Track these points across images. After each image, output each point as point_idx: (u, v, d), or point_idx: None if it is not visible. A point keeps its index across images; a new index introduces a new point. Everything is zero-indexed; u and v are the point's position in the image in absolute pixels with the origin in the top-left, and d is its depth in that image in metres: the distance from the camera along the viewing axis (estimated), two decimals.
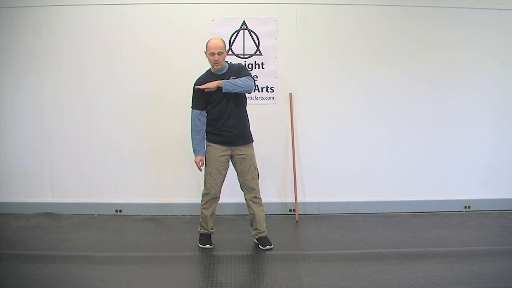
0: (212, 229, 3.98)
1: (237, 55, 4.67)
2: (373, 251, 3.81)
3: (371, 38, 4.73)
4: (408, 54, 4.76)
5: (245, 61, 4.64)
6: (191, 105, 3.85)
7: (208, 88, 3.69)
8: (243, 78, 3.76)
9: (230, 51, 4.67)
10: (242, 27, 4.66)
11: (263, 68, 4.67)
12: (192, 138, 3.86)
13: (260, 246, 3.88)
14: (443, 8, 4.73)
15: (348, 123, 4.80)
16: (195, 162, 3.86)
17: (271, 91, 4.71)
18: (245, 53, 4.67)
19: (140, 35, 4.65)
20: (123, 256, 3.72)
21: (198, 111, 3.80)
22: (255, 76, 4.63)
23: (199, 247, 3.89)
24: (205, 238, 3.94)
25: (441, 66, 4.79)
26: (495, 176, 4.94)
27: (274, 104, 4.71)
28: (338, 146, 4.81)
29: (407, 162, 4.86)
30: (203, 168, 3.89)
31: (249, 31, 4.67)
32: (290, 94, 4.72)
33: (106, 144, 4.74)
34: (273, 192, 4.76)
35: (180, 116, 4.71)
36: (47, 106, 4.71)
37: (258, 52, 4.69)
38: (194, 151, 3.87)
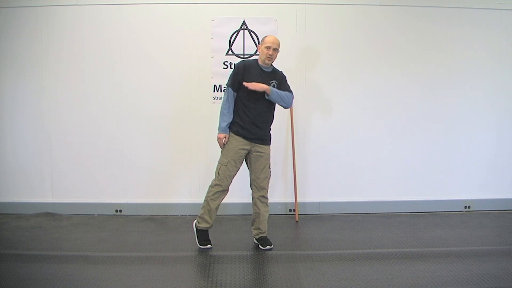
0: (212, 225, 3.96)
1: (237, 55, 4.66)
2: (373, 251, 3.81)
3: (371, 38, 4.73)
4: (408, 54, 4.76)
5: None
6: (226, 83, 3.86)
7: (254, 88, 3.69)
8: (288, 93, 3.86)
9: (230, 51, 4.67)
10: (242, 27, 4.66)
11: None
12: (222, 114, 3.82)
13: (260, 246, 3.88)
14: (443, 8, 4.73)
15: (348, 123, 4.80)
16: (219, 138, 3.79)
17: None
18: (245, 53, 4.67)
19: (140, 35, 4.65)
20: (123, 256, 3.72)
21: (233, 92, 3.80)
22: None
23: (199, 247, 3.87)
24: (205, 235, 3.90)
25: (441, 66, 4.80)
26: (495, 176, 4.94)
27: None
28: (338, 146, 4.81)
29: (407, 162, 4.86)
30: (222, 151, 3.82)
31: (249, 31, 4.67)
32: None
33: (106, 144, 4.74)
34: (273, 192, 4.73)
35: (179, 115, 4.72)
36: (47, 106, 4.71)
37: (258, 52, 4.68)
38: (220, 127, 3.81)
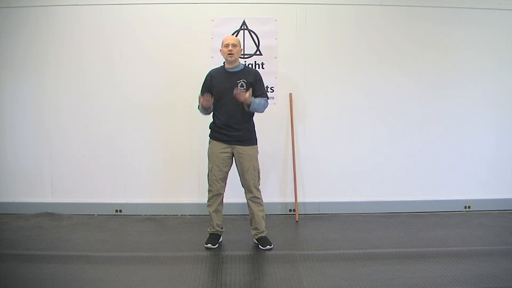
0: (221, 228, 3.98)
1: None
2: (373, 251, 3.81)
3: (371, 38, 4.73)
4: (408, 54, 4.76)
5: (245, 61, 4.64)
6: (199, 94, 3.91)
7: (238, 96, 3.66)
8: (263, 101, 3.84)
9: None
10: (242, 27, 4.66)
11: (263, 68, 4.67)
12: (198, 107, 3.90)
13: (260, 246, 3.88)
14: (443, 8, 4.73)
15: (348, 123, 4.80)
16: (200, 99, 3.75)
17: (271, 91, 4.71)
18: (245, 53, 4.67)
19: (140, 35, 4.65)
20: (123, 256, 3.72)
21: None
22: None
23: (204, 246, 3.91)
24: (210, 237, 3.94)
25: (441, 66, 4.80)
26: (495, 176, 4.94)
27: (274, 104, 4.71)
28: (338, 146, 4.81)
29: (407, 162, 4.86)
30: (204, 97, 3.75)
31: (249, 31, 4.67)
32: (290, 94, 4.72)
33: (106, 144, 4.74)
34: (273, 192, 4.76)
35: (180, 116, 4.73)
36: (47, 106, 4.71)
37: (258, 52, 4.69)
38: (198, 104, 3.85)
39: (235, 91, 3.67)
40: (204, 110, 3.84)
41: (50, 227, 4.38)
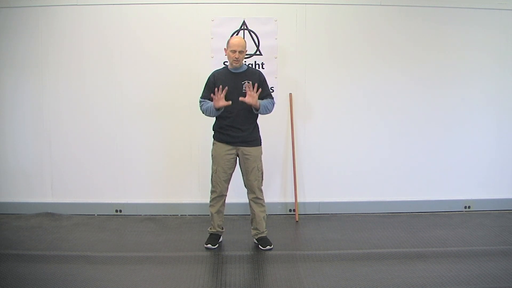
0: (222, 228, 3.98)
1: None
2: (373, 251, 3.81)
3: (371, 38, 4.73)
4: (408, 54, 4.76)
5: (245, 61, 4.63)
6: (200, 96, 3.89)
7: (247, 101, 3.66)
8: (270, 101, 3.86)
9: None
10: (242, 27, 4.66)
11: (263, 68, 4.67)
12: (202, 109, 3.85)
13: (260, 246, 3.88)
14: (443, 8, 4.73)
15: (348, 123, 4.80)
16: (215, 101, 3.69)
17: (271, 91, 4.69)
18: None
19: (140, 35, 4.65)
20: (123, 256, 3.72)
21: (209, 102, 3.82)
22: None
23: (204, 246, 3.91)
24: (210, 237, 3.94)
25: (441, 66, 4.80)
26: (495, 176, 4.94)
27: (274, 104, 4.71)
28: (338, 146, 4.81)
29: (407, 162, 4.86)
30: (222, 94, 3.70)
31: (249, 31, 4.67)
32: (290, 94, 4.72)
33: (106, 144, 4.74)
34: (273, 192, 4.76)
35: (180, 116, 4.73)
36: (47, 106, 4.71)
37: (258, 52, 4.69)
38: (207, 108, 3.79)
39: (242, 99, 3.67)
40: (215, 111, 3.76)
41: (50, 227, 4.38)
